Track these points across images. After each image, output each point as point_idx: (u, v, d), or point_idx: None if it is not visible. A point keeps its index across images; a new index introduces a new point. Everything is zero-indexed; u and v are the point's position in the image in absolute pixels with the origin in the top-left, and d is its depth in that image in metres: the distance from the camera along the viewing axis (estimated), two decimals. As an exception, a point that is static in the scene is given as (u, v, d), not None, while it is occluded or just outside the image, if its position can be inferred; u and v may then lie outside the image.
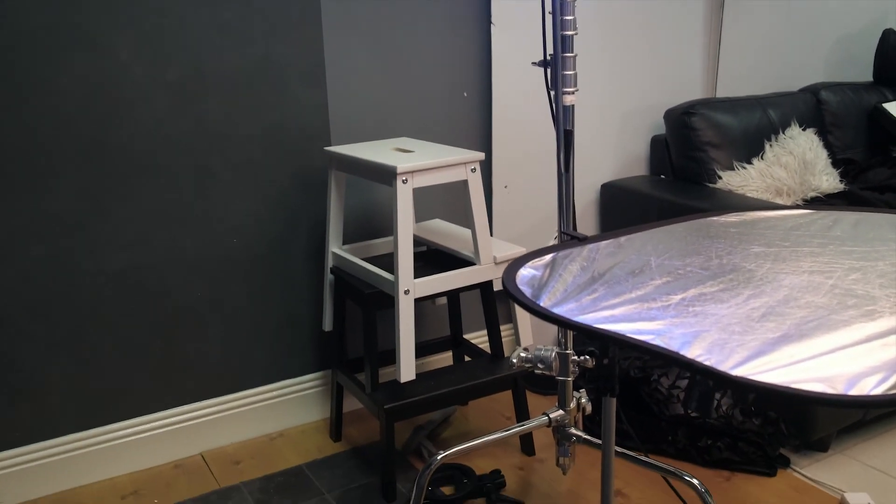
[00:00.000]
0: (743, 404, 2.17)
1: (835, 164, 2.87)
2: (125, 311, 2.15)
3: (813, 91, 3.05)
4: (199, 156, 2.15)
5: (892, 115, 2.97)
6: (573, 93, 1.72)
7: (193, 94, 2.11)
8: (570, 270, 1.28)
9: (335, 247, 2.27)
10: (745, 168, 2.66)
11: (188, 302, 2.23)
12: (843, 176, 2.85)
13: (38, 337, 2.06)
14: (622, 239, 1.43)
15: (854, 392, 0.89)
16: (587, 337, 1.08)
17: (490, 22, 2.49)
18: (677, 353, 0.99)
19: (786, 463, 2.16)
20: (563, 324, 1.08)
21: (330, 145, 2.33)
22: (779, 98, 2.93)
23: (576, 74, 1.72)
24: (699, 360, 0.97)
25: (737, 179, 2.62)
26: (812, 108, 2.98)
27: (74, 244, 2.04)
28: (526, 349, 1.81)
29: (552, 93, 1.74)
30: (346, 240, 2.43)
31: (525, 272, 1.27)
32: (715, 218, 1.53)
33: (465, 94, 2.54)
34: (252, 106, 2.19)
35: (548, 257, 1.35)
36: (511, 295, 1.17)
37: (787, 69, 3.19)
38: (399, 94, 2.42)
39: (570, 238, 1.44)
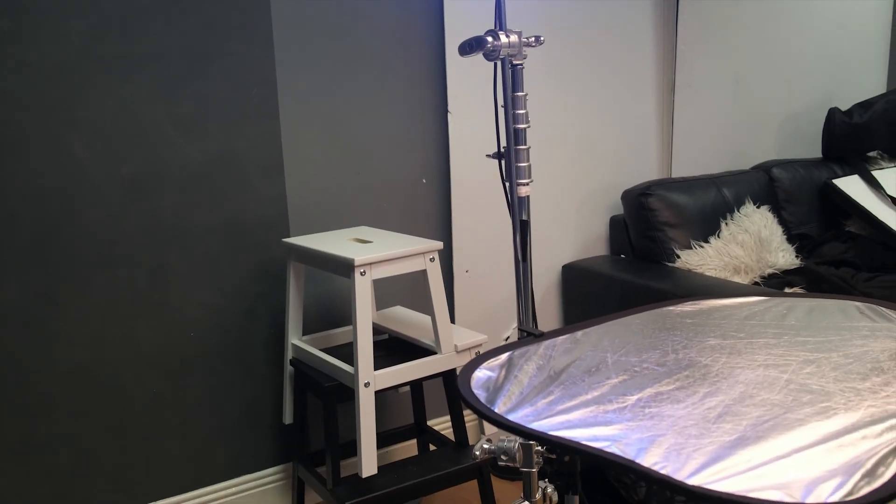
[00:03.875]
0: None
1: (790, 239, 2.91)
2: (77, 409, 2.08)
3: (765, 169, 3.12)
4: (155, 249, 2.13)
5: (842, 191, 3.04)
6: (528, 184, 1.74)
7: (150, 189, 2.10)
8: (525, 371, 1.26)
9: (294, 338, 2.24)
10: (702, 247, 2.69)
11: (144, 398, 2.17)
12: (798, 251, 2.90)
13: (-15, 442, 1.99)
14: (578, 334, 1.43)
15: (811, 500, 0.87)
16: (542, 444, 1.06)
17: (447, 111, 2.53)
18: (633, 462, 0.97)
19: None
20: (518, 432, 1.05)
21: (288, 236, 2.32)
22: (732, 177, 2.99)
23: (530, 166, 1.73)
24: (655, 468, 0.95)
25: (695, 258, 2.65)
26: (765, 185, 3.04)
27: (25, 341, 1.99)
28: (489, 440, 1.78)
29: (507, 184, 1.75)
30: (307, 330, 2.40)
31: (480, 374, 1.26)
32: (671, 308, 1.53)
33: (424, 181, 2.56)
34: (210, 198, 2.18)
35: (504, 356, 1.33)
36: (466, 402, 1.15)
37: (739, 148, 3.27)
38: (357, 183, 2.43)
39: (526, 334, 1.43)
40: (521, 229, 1.76)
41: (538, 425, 1.06)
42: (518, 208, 1.75)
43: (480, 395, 1.17)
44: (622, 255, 2.92)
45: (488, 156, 1.80)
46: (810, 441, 0.99)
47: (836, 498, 0.87)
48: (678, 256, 2.68)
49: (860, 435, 1.00)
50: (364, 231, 2.27)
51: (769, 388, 1.15)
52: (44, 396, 2.04)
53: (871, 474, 0.91)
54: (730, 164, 3.24)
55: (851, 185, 3.08)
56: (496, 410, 1.12)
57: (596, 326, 1.45)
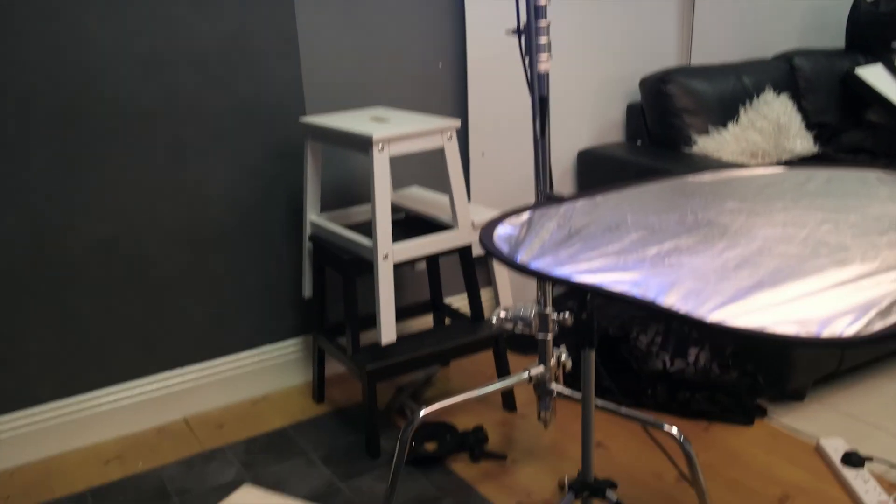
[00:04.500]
0: (720, 358, 2.21)
1: (808, 127, 2.89)
2: (105, 279, 2.14)
3: (786, 58, 3.07)
4: (172, 126, 2.13)
5: (864, 80, 3.00)
6: (547, 60, 1.72)
7: (165, 66, 2.09)
8: (546, 228, 1.28)
9: (313, 214, 2.26)
10: (720, 133, 2.68)
11: (169, 270, 2.22)
12: (816, 139, 2.88)
13: (17, 305, 2.05)
14: (598, 198, 1.44)
15: (826, 334, 0.90)
16: (565, 288, 1.09)
17: (464, -11, 2.48)
18: (653, 302, 1.00)
19: (763, 413, 2.20)
20: (541, 277, 1.08)
21: (305, 116, 2.32)
22: (753, 65, 2.95)
23: (550, 42, 1.72)
24: (675, 308, 0.98)
25: (712, 144, 2.64)
26: (785, 74, 2.99)
27: (51, 215, 2.02)
28: (506, 309, 1.82)
29: (527, 60, 1.74)
30: (324, 207, 2.42)
31: (502, 230, 1.28)
32: (690, 179, 1.54)
33: (441, 64, 2.53)
34: (225, 77, 2.17)
35: (525, 216, 1.35)
36: (488, 250, 1.17)
37: (761, 37, 3.21)
38: (374, 65, 2.41)
39: (546, 199, 1.45)
40: (540, 105, 1.76)
41: (560, 271, 1.09)
42: (537, 84, 1.74)
43: (503, 247, 1.20)
44: (638, 141, 2.91)
45: (509, 32, 1.78)
46: (826, 285, 1.01)
47: (850, 332, 0.90)
48: (695, 142, 2.67)
49: (876, 281, 1.02)
50: (381, 111, 2.27)
51: (787, 242, 1.17)
52: (73, 267, 2.09)
53: (885, 312, 0.93)
54: (750, 54, 3.18)
55: (873, 74, 3.03)
56: (518, 261, 1.15)
57: (615, 192, 1.47)
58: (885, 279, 1.02)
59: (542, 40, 1.72)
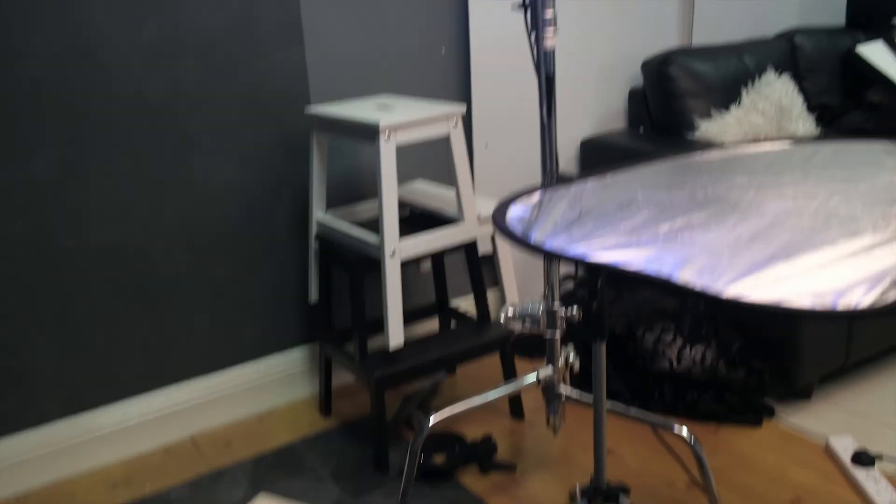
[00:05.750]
0: (727, 355, 2.21)
1: (810, 109, 2.89)
2: (109, 287, 2.13)
3: (788, 36, 3.07)
4: (178, 121, 2.14)
5: (866, 59, 3.00)
6: (553, 36, 1.73)
7: (171, 56, 2.09)
8: (558, 208, 1.29)
9: (319, 212, 2.27)
10: (722, 116, 2.68)
11: (172, 274, 2.22)
12: (818, 121, 2.88)
13: (21, 317, 2.03)
14: (608, 178, 1.45)
15: (842, 306, 0.91)
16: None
17: (465, -23, 2.48)
18: (669, 279, 1.00)
19: (771, 413, 2.20)
20: (555, 255, 1.09)
21: (310, 106, 2.32)
22: (754, 44, 2.95)
23: (555, 15, 1.72)
24: (690, 284, 0.99)
25: (715, 128, 2.64)
26: (787, 53, 3.00)
27: (56, 217, 2.02)
28: (513, 305, 1.83)
29: (532, 35, 1.74)
30: (330, 205, 2.43)
31: (514, 211, 1.29)
32: (698, 157, 1.55)
33: (444, 50, 2.53)
34: (230, 67, 2.18)
35: (535, 197, 1.36)
36: (502, 231, 1.18)
37: (762, 14, 3.21)
38: (377, 52, 2.41)
39: (556, 179, 1.46)
40: (547, 85, 1.76)
41: (575, 250, 1.10)
42: (544, 62, 1.75)
43: (516, 229, 1.20)
44: (641, 128, 2.91)
45: (514, 6, 1.78)
46: (839, 256, 1.02)
47: (866, 303, 0.91)
48: (698, 127, 2.67)
49: (888, 250, 1.02)
50: (386, 98, 2.27)
51: (798, 215, 1.17)
52: (77, 273, 2.08)
53: (899, 281, 0.94)
54: (752, 32, 3.18)
55: (875, 52, 3.03)
56: (532, 241, 1.16)
57: (624, 172, 1.47)
58: (897, 249, 1.03)
59: (548, 14, 1.72)
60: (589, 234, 1.16)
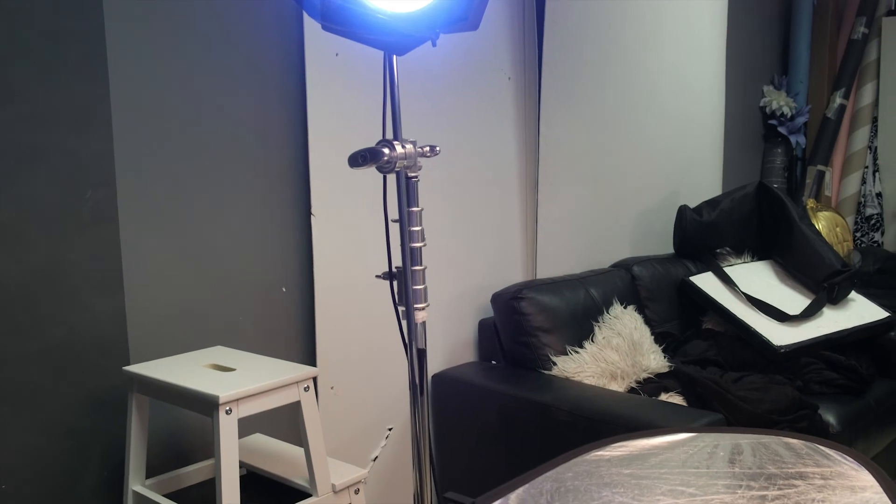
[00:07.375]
0: None
1: (655, 338, 2.89)
2: None
3: (626, 266, 3.11)
4: (-43, 388, 1.73)
5: (699, 287, 3.08)
6: (424, 308, 1.54)
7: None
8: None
9: (136, 484, 1.88)
10: (577, 353, 2.59)
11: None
12: (664, 351, 2.87)
13: None
14: (511, 497, 1.23)
15: None
16: None
17: (310, 212, 2.30)
18: None
19: None
20: None
21: (128, 360, 1.98)
22: (597, 276, 2.95)
23: (426, 288, 1.54)
24: None
25: (572, 366, 2.54)
26: (628, 283, 3.02)
27: None
28: None
29: (400, 310, 1.55)
30: (151, 472, 2.03)
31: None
32: (600, 452, 1.37)
33: (284, 289, 2.30)
34: (31, 321, 1.82)
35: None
36: None
37: (598, 245, 3.26)
38: (210, 295, 2.14)
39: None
40: (419, 359, 1.56)
41: None
42: (415, 335, 1.55)
43: None
44: (493, 362, 2.77)
45: (378, 276, 1.59)
46: None
47: None
48: (554, 364, 2.56)
49: None
50: (220, 353, 1.98)
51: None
52: None
53: None
54: (591, 264, 3.21)
55: (706, 282, 3.12)
56: None
57: (527, 486, 1.26)
58: None
59: (419, 287, 1.54)
60: None
